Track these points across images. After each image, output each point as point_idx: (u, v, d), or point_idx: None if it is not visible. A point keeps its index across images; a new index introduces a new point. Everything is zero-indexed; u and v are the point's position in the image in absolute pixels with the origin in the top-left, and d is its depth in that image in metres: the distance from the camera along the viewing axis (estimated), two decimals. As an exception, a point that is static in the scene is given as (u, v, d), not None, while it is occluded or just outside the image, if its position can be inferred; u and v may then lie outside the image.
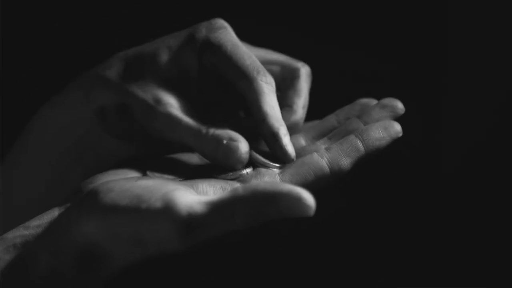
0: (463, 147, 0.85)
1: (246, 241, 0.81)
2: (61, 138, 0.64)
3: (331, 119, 0.61)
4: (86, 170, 0.62)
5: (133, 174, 0.55)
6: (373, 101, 0.60)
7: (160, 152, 0.62)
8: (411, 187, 0.85)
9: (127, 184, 0.49)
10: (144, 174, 0.55)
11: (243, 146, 0.55)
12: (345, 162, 0.53)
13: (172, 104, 0.58)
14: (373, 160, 0.55)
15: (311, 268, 0.85)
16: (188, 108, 0.58)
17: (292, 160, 0.56)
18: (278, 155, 0.56)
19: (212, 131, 0.56)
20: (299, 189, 0.44)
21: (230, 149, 0.55)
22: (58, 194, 0.61)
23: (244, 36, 0.68)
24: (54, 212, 0.52)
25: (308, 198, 0.44)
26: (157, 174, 0.55)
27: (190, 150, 0.60)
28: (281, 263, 0.85)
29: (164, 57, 0.60)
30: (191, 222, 0.45)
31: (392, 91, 0.86)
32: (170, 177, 0.55)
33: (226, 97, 0.63)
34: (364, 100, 0.61)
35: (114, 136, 0.62)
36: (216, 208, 0.45)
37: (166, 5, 0.86)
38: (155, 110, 0.57)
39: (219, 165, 0.56)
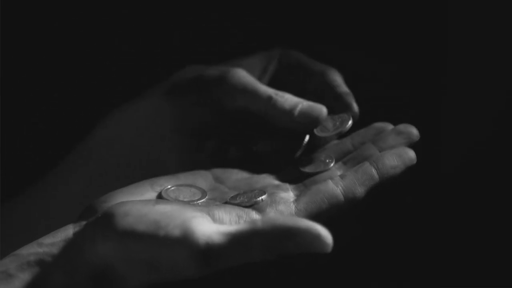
0: (463, 147, 0.86)
1: (262, 269, 0.82)
2: (128, 128, 0.68)
3: (346, 142, 0.62)
4: (135, 175, 0.64)
5: (148, 194, 0.56)
6: (389, 126, 0.61)
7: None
8: (412, 188, 0.85)
9: (144, 209, 0.49)
10: (159, 194, 0.55)
11: (324, 108, 0.61)
12: (360, 190, 0.54)
13: (245, 72, 0.64)
14: (387, 187, 0.56)
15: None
16: (258, 81, 0.64)
17: (356, 113, 0.63)
18: (346, 108, 0.63)
19: (287, 94, 0.62)
20: (317, 226, 0.45)
21: (312, 108, 0.61)
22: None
23: (244, 36, 0.69)
24: (69, 230, 0.52)
25: (326, 235, 0.45)
26: (171, 195, 0.55)
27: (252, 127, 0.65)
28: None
29: (246, 59, 0.68)
30: (209, 252, 0.46)
31: (392, 91, 0.86)
32: (185, 199, 0.55)
33: None
34: (379, 125, 0.61)
35: (180, 121, 0.65)
36: (234, 240, 0.46)
37: (165, 5, 0.86)
38: (228, 74, 0.63)
39: (289, 126, 0.61)
